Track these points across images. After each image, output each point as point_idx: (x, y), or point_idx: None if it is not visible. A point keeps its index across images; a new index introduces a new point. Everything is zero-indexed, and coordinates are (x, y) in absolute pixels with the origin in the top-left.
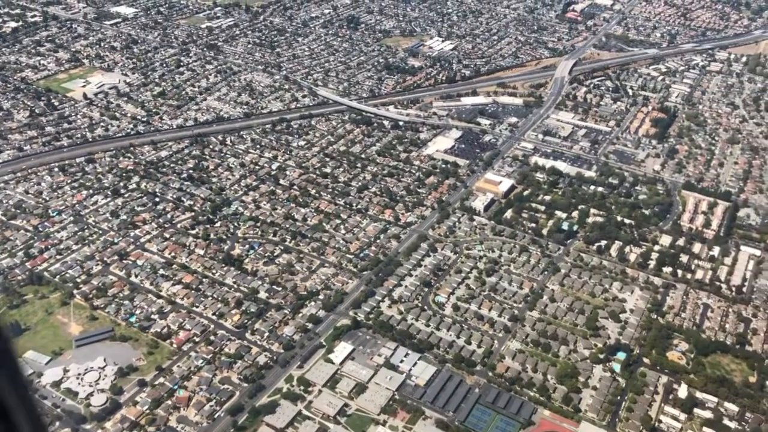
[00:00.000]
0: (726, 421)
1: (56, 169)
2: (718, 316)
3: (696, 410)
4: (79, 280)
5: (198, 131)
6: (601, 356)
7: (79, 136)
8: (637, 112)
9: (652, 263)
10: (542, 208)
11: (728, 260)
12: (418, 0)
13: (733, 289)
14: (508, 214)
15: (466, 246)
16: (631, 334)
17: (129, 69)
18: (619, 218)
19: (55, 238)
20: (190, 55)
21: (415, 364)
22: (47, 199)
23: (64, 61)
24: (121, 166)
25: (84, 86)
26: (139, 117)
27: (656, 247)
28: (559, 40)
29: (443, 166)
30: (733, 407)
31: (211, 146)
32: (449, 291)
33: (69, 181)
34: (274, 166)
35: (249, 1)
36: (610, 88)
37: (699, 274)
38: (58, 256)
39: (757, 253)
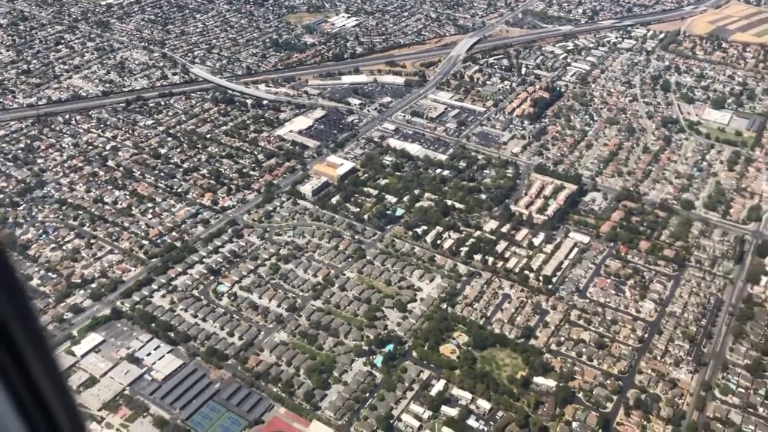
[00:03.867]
0: (472, 420)
1: None
2: (513, 308)
3: (444, 408)
4: None
5: (46, 110)
6: (366, 349)
7: None
8: (522, 92)
9: (464, 250)
10: (374, 192)
11: (549, 248)
12: None
13: (541, 279)
14: (335, 199)
15: (276, 232)
16: (410, 326)
17: (5, 46)
18: (450, 203)
19: None
20: (76, 32)
21: (162, 357)
22: None
23: None
24: None
25: None
26: None
27: (477, 233)
28: (472, 17)
29: (290, 147)
30: (486, 405)
31: (53, 126)
32: (235, 279)
33: None
34: (108, 147)
35: None
36: (504, 67)
37: (512, 263)
38: None
39: (586, 240)
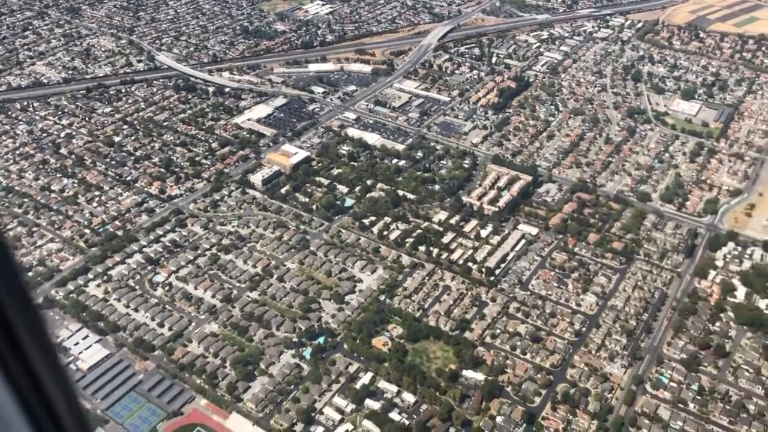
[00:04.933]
0: (394, 414)
1: None
2: (451, 300)
3: (368, 401)
4: None
5: (4, 97)
6: (296, 341)
7: None
8: (489, 81)
9: (410, 242)
10: (326, 182)
11: (497, 239)
12: None
13: (483, 271)
14: (285, 188)
15: (220, 222)
16: (345, 317)
17: None
18: (402, 193)
19: None
20: (45, 19)
21: (89, 347)
22: None
23: None
24: None
25: None
26: None
27: (425, 225)
28: (449, 5)
29: (246, 136)
30: (411, 398)
31: (9, 113)
32: (173, 270)
33: None
34: (63, 134)
35: None
36: (474, 56)
37: (457, 254)
38: None
39: (535, 232)
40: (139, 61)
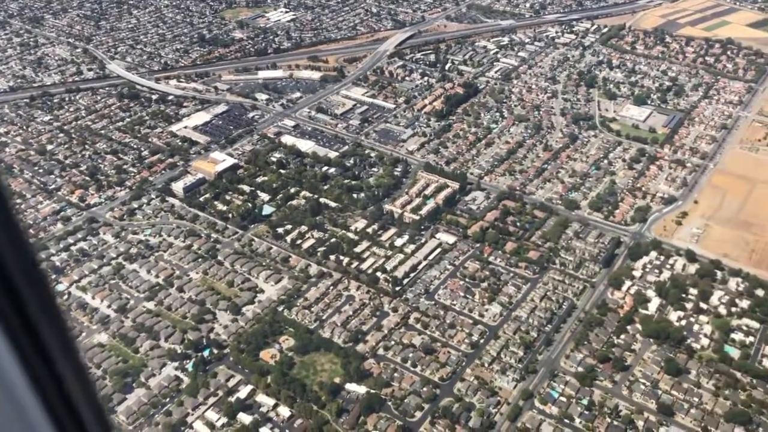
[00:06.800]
0: (266, 428)
1: None
2: (351, 311)
3: (241, 415)
4: None
5: None
6: (180, 352)
7: None
8: (438, 88)
9: (322, 251)
10: (248, 189)
11: (411, 248)
12: None
13: (390, 280)
14: (205, 197)
15: (132, 230)
16: (237, 328)
17: None
18: (324, 201)
19: None
20: (6, 28)
21: None
22: None
23: None
24: None
25: None
26: None
27: (341, 233)
28: (414, 12)
29: (179, 143)
30: (287, 412)
31: None
32: (75, 279)
33: None
34: None
35: None
36: (429, 63)
37: (367, 264)
38: None
39: (452, 240)
40: (90, 70)
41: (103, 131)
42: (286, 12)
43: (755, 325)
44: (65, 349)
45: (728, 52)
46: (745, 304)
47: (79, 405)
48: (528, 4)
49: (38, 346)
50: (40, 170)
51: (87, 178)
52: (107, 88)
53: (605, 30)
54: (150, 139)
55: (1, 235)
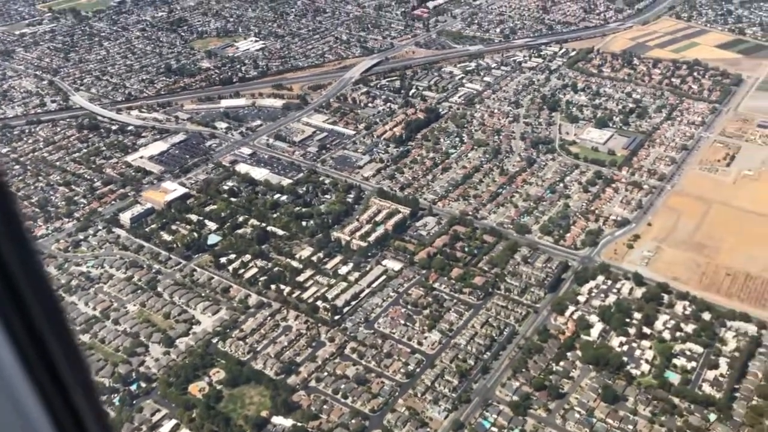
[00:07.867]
0: None
1: None
2: (287, 341)
3: None
4: None
5: None
6: (108, 387)
7: None
8: (400, 114)
9: (263, 280)
10: (196, 219)
11: (355, 276)
12: None
13: (329, 309)
14: (152, 227)
15: (75, 262)
16: (168, 361)
17: None
18: (271, 229)
19: None
20: None
21: None
22: None
23: None
24: None
25: None
26: None
27: (285, 262)
28: (384, 39)
29: (133, 174)
30: None
31: None
32: None
33: None
34: None
35: (86, 7)
36: (393, 89)
37: (309, 293)
38: None
39: (398, 267)
40: (53, 102)
41: (58, 162)
42: (256, 41)
43: (699, 349)
44: (70, 358)
45: (695, 73)
46: (690, 328)
47: (84, 414)
48: (498, 30)
49: (43, 354)
50: None
51: (37, 209)
52: (68, 120)
53: (573, 53)
54: (104, 170)
55: (7, 241)
